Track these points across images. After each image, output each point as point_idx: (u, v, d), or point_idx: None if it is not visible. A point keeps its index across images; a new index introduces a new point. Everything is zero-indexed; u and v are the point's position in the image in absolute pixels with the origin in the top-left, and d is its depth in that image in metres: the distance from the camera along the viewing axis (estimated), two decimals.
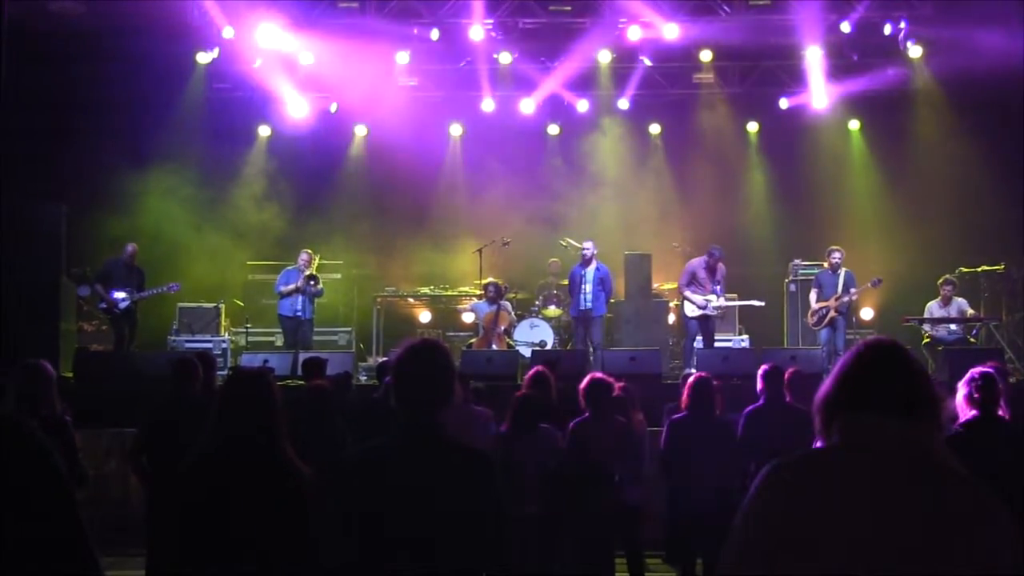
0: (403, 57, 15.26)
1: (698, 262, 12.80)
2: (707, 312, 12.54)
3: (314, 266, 13.41)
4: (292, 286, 13.10)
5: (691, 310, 12.63)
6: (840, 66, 15.20)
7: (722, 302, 12.69)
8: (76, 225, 12.68)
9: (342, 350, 13.72)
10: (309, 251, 13.45)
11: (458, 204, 16.20)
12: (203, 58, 14.67)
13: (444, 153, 16.62)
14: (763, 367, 7.50)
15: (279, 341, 14.42)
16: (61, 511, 2.25)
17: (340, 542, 3.03)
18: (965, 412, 4.83)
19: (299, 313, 13.06)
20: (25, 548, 2.18)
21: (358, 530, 3.00)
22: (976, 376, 4.93)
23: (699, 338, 12.75)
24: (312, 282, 13.11)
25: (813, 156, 15.79)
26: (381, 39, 14.99)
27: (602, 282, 12.74)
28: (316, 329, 13.78)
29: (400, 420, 3.14)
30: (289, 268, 13.44)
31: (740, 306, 13.81)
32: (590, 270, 12.77)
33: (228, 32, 14.48)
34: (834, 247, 12.85)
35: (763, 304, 13.57)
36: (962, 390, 4.90)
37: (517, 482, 5.90)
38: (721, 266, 12.70)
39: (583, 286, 12.71)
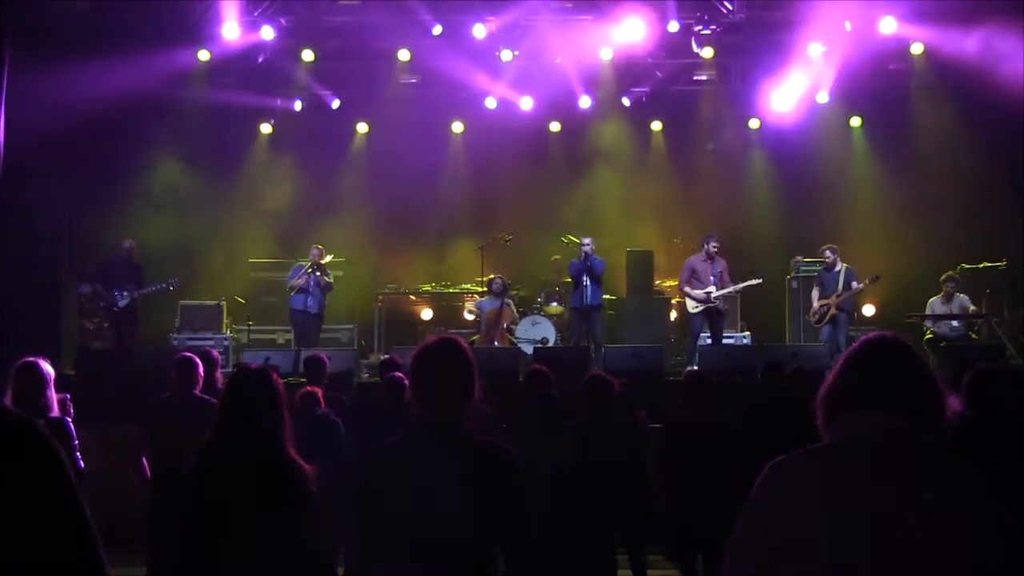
0: (404, 54, 15.24)
1: (697, 257, 12.81)
2: (709, 304, 12.49)
3: (324, 261, 13.44)
4: (300, 278, 13.11)
5: (693, 306, 12.62)
6: (841, 62, 15.14)
7: (723, 291, 12.59)
8: (78, 223, 12.69)
9: (344, 347, 13.72)
10: (320, 247, 13.46)
11: (460, 201, 16.19)
12: (205, 55, 14.64)
13: (446, 150, 16.60)
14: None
15: (281, 339, 14.45)
16: (67, 510, 2.25)
17: (359, 541, 3.02)
18: (966, 408, 4.82)
19: (308, 307, 13.06)
20: (30, 547, 2.17)
21: (378, 529, 3.00)
22: (978, 372, 4.92)
23: (704, 335, 12.74)
24: (319, 271, 13.12)
25: (815, 153, 15.76)
26: (382, 35, 14.97)
27: (591, 271, 12.64)
28: None
29: (420, 418, 3.12)
30: (299, 263, 13.46)
31: (740, 289, 13.11)
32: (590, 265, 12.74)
33: (231, 30, 14.44)
34: (826, 246, 12.82)
35: (761, 280, 13.09)
36: (964, 386, 4.89)
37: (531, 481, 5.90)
38: (722, 260, 12.68)
39: (584, 280, 12.66)
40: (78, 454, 5.63)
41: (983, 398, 4.80)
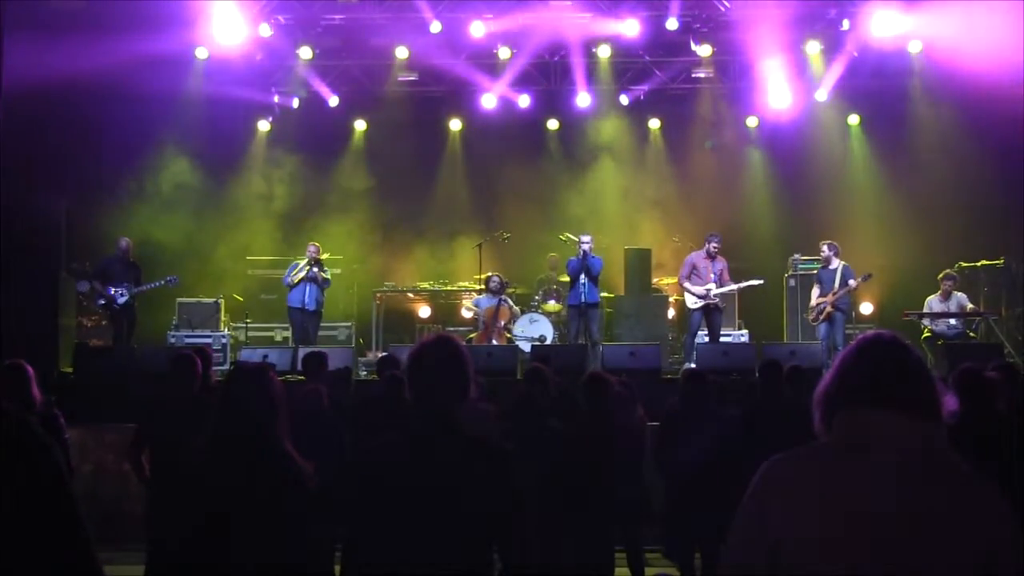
0: (403, 51, 15.23)
1: (698, 253, 12.77)
2: (708, 301, 12.44)
3: (321, 258, 13.42)
4: (298, 274, 13.07)
5: (692, 302, 12.55)
6: (839, 60, 15.16)
7: (722, 288, 12.54)
8: (75, 220, 12.67)
9: (342, 345, 13.73)
10: (316, 244, 13.45)
11: (457, 199, 16.22)
12: (202, 53, 14.62)
13: (444, 148, 16.61)
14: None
15: (279, 336, 14.45)
16: (61, 507, 2.25)
17: (356, 538, 3.02)
18: (958, 407, 4.82)
19: (305, 305, 13.04)
20: (26, 543, 2.17)
21: (375, 526, 3.00)
22: (967, 371, 4.93)
23: (702, 332, 12.71)
24: (316, 267, 13.09)
25: (813, 151, 15.78)
26: (381, 33, 14.97)
27: (589, 269, 12.60)
28: None
29: (417, 414, 3.13)
30: (295, 260, 13.44)
31: (740, 288, 13.04)
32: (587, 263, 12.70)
33: (229, 27, 14.40)
34: (823, 242, 12.79)
35: (762, 281, 13.06)
36: (955, 385, 4.90)
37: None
38: (722, 259, 12.64)
39: (581, 278, 12.62)
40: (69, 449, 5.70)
41: (972, 397, 4.81)
